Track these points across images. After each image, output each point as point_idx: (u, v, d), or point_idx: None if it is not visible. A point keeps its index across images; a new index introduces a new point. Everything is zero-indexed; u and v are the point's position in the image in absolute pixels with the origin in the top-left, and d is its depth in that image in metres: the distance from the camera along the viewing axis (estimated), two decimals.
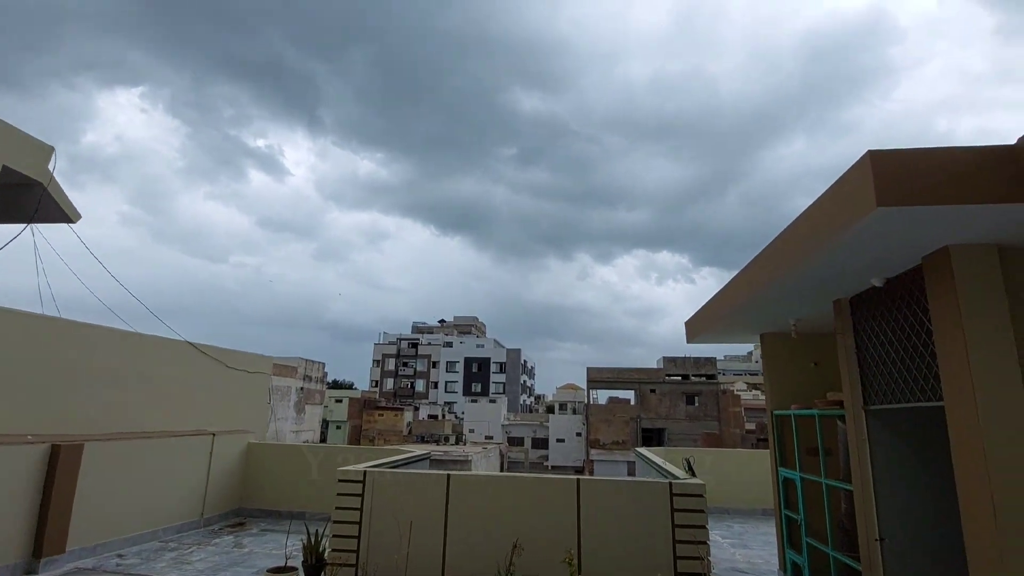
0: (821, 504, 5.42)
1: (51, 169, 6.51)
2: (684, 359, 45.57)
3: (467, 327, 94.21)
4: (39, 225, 7.14)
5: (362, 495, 5.72)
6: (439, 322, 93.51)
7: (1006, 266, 3.41)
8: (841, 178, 3.17)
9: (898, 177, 2.81)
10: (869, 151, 2.90)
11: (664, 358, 46.10)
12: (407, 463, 7.49)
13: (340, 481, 5.80)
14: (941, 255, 3.52)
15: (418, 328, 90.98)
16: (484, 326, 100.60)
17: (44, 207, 6.61)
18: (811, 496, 5.71)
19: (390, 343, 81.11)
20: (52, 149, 6.53)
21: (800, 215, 3.82)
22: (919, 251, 3.64)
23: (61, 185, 6.66)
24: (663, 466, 7.28)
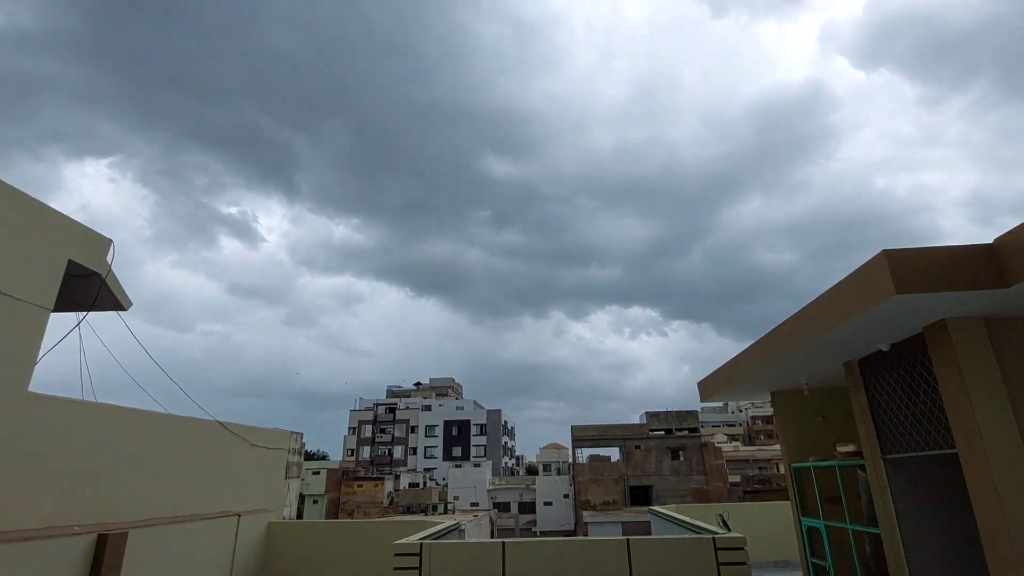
0: (848, 549, 5.92)
1: (109, 261, 6.89)
2: (667, 413, 45.98)
3: (444, 389, 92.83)
4: (88, 312, 7.42)
5: (419, 567, 5.93)
6: (415, 385, 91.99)
7: (992, 333, 4.20)
8: (859, 271, 3.93)
9: (909, 270, 3.58)
10: (884, 250, 3.67)
11: (647, 413, 46.42)
12: (444, 533, 7.67)
13: (397, 555, 6.00)
14: (940, 326, 4.29)
15: (394, 392, 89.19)
16: (461, 387, 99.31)
17: (99, 296, 6.93)
18: (837, 542, 6.20)
19: (367, 409, 79.05)
20: (110, 242, 6.95)
21: (819, 299, 4.58)
22: (921, 322, 4.41)
23: (116, 274, 7.03)
24: (693, 522, 7.67)
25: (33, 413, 6.32)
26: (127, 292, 7.27)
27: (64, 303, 6.76)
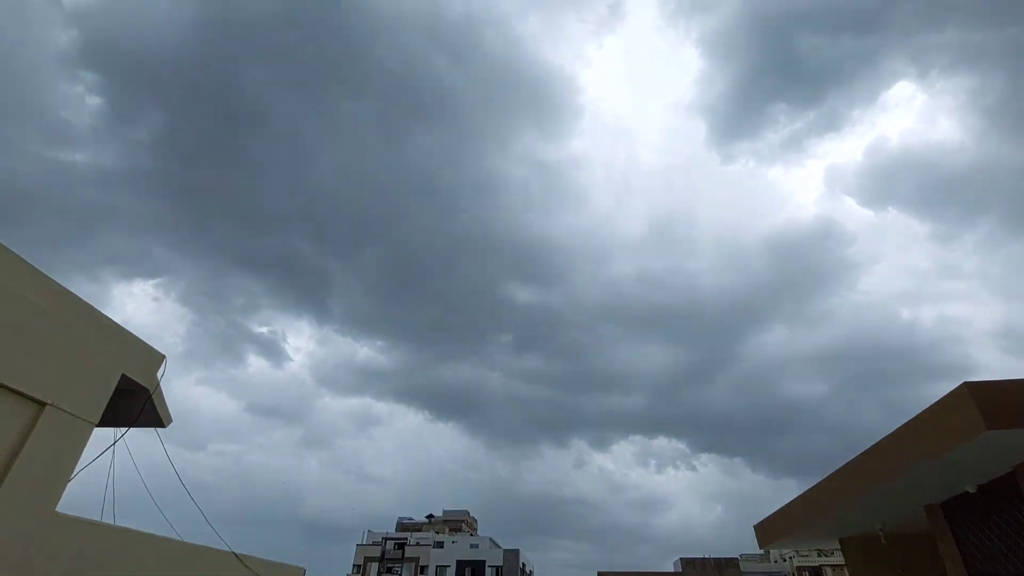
0: None
1: (159, 377, 6.99)
2: (703, 560, 41.59)
3: (457, 523, 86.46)
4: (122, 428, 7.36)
5: None
6: (427, 518, 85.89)
7: None
8: (939, 405, 3.75)
9: (999, 404, 3.40)
10: (966, 383, 3.52)
11: (682, 559, 42.05)
12: None
13: None
14: None
15: (404, 525, 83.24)
16: (475, 521, 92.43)
17: (142, 412, 6.93)
18: None
19: (374, 544, 73.40)
20: (163, 357, 7.09)
21: (893, 435, 4.33)
22: (1012, 461, 4.07)
23: (163, 391, 7.09)
24: None
25: (58, 537, 6.00)
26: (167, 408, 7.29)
27: (105, 417, 6.77)
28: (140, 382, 6.71)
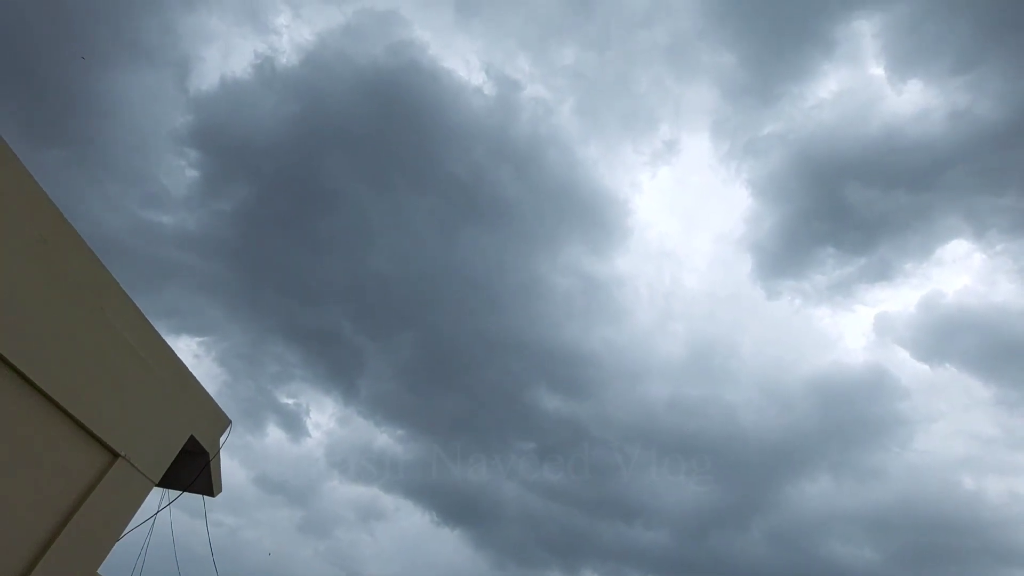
0: None
1: (222, 442, 7.01)
2: None
3: None
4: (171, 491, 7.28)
5: None
6: None
7: None
8: None
9: None
10: None
11: None
12: None
13: None
14: None
15: None
16: None
17: (199, 477, 6.88)
18: None
19: None
20: (229, 423, 7.13)
21: None
22: None
23: (221, 457, 7.06)
24: None
25: None
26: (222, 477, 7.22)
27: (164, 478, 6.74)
28: (204, 445, 6.72)
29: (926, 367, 30.13)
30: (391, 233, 40.30)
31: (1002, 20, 23.55)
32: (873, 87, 28.08)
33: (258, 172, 36.33)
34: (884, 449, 30.80)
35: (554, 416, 44.00)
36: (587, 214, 38.72)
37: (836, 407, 32.67)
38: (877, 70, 27.83)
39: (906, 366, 30.75)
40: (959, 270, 29.10)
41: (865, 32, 27.66)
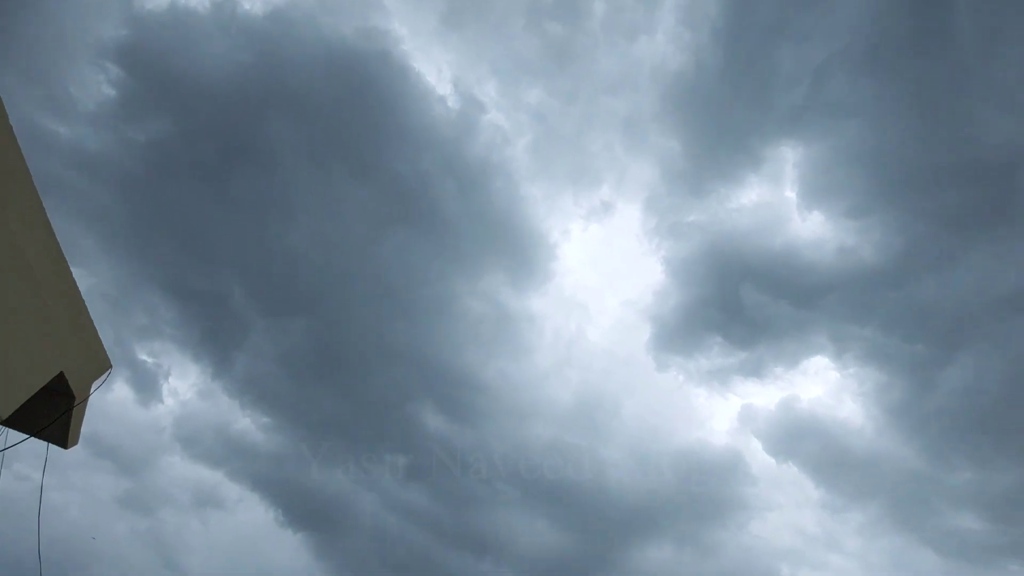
0: None
1: (94, 388, 6.39)
2: None
3: None
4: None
5: None
6: None
7: None
8: None
9: None
10: None
11: None
12: None
13: None
14: None
15: None
16: None
17: (54, 423, 6.18)
18: None
19: None
20: (110, 368, 6.53)
21: None
22: None
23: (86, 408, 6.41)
24: None
25: None
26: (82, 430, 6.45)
27: (11, 418, 5.93)
28: (73, 387, 6.05)
29: (773, 461, 33.46)
30: (315, 214, 38.71)
31: (895, 180, 27.81)
32: (784, 208, 31.80)
33: (186, 111, 33.66)
34: (724, 528, 33.50)
35: (433, 436, 43.43)
36: (516, 248, 39.65)
37: (693, 481, 35.20)
38: (791, 194, 31.57)
39: (757, 456, 33.97)
40: (816, 382, 33.04)
41: (788, 158, 31.44)
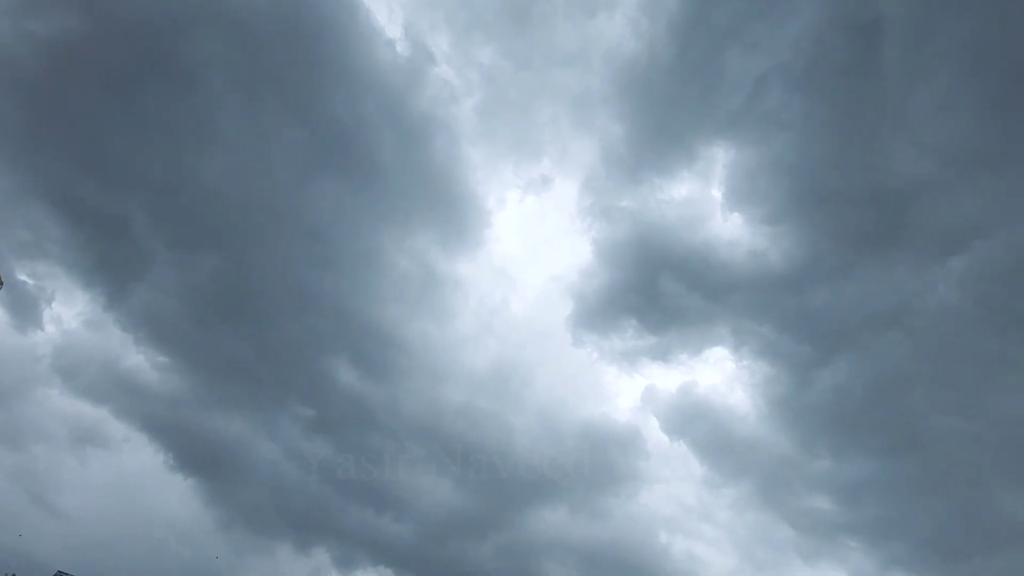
0: None
1: None
2: None
3: None
4: None
5: None
6: None
7: None
8: None
9: None
10: None
11: None
12: None
13: None
14: None
15: None
16: None
17: None
18: None
19: None
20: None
21: None
22: None
23: None
24: None
25: None
26: None
27: None
28: None
29: (667, 439, 36.01)
30: (240, 145, 36.02)
31: (809, 194, 30.03)
32: (709, 206, 33.60)
33: (99, 9, 29.79)
34: (616, 496, 35.93)
35: (345, 391, 42.81)
36: (451, 210, 39.18)
37: (594, 452, 37.30)
38: (717, 193, 33.33)
39: (654, 434, 36.43)
40: (715, 370, 35.77)
41: (719, 160, 33.06)
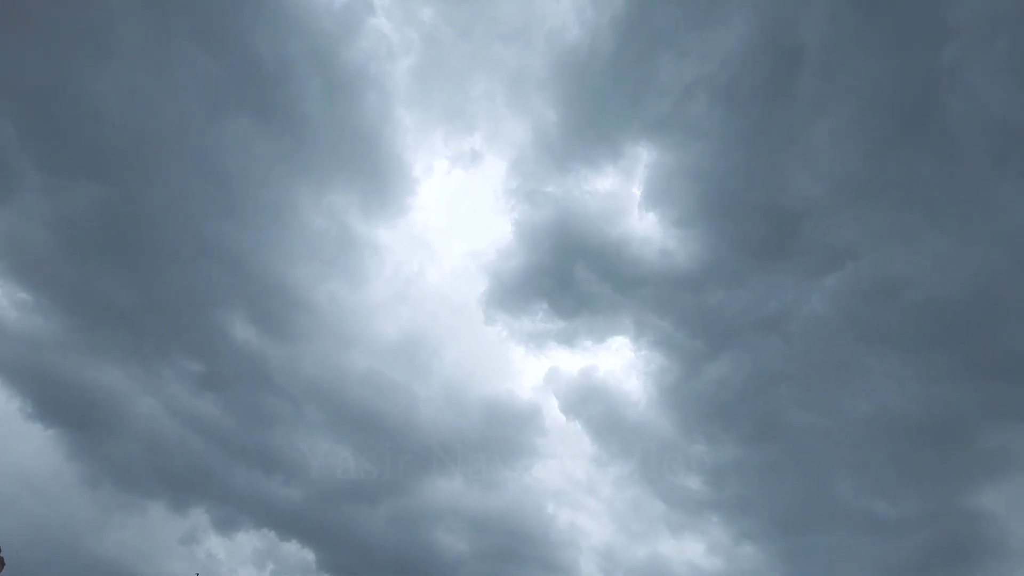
0: None
1: None
2: None
3: None
4: None
5: None
6: None
7: None
8: None
9: None
10: None
11: None
12: None
13: None
14: None
15: None
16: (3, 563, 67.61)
17: None
18: None
19: None
20: None
21: None
22: None
23: None
24: None
25: None
26: None
27: None
28: None
29: (564, 418, 37.83)
30: (140, 67, 32.05)
31: (718, 203, 32.21)
32: (628, 202, 35.08)
33: None
34: (511, 469, 37.34)
35: (239, 347, 40.40)
36: (376, 173, 37.69)
37: (495, 426, 38.34)
38: (636, 191, 34.83)
39: (552, 413, 38.12)
40: (614, 358, 37.88)
41: (643, 159, 34.49)
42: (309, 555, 40.40)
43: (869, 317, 29.94)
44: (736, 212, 32.03)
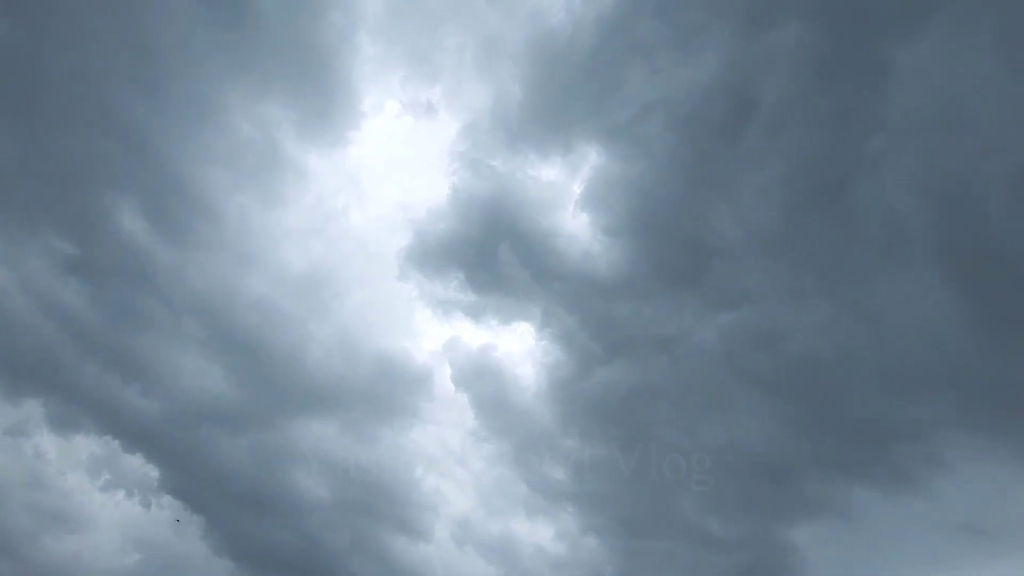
0: None
1: None
2: None
3: None
4: None
5: None
6: None
7: None
8: None
9: None
10: None
11: None
12: None
13: None
14: None
15: None
16: None
17: None
18: None
19: None
20: None
21: None
22: None
23: None
24: None
25: None
26: None
27: None
28: None
29: (453, 388, 38.15)
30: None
31: (647, 221, 33.58)
32: (566, 198, 35.76)
33: None
34: (389, 427, 37.26)
35: (123, 238, 36.49)
36: (321, 94, 35.34)
37: (384, 382, 37.98)
38: (576, 189, 35.52)
39: (443, 380, 38.38)
40: (516, 342, 38.69)
41: (590, 160, 35.19)
42: (153, 472, 37.68)
43: (747, 358, 32.80)
44: (662, 235, 33.65)
